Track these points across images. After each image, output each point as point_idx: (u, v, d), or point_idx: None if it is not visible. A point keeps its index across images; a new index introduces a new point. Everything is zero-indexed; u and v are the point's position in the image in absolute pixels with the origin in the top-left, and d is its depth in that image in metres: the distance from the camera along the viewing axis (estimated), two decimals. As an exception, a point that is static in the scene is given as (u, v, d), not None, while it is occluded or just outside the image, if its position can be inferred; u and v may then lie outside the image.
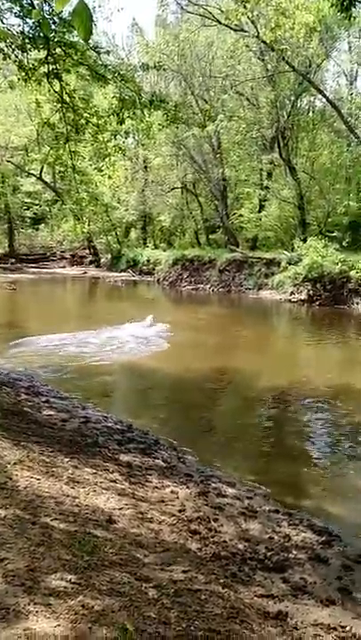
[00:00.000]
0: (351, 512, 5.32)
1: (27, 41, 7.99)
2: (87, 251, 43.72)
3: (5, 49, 8.06)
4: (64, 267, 42.65)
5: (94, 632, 2.25)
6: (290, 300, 21.75)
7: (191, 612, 2.69)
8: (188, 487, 5.13)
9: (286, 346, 14.77)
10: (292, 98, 25.90)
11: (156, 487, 4.94)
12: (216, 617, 2.74)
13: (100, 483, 4.50)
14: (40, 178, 37.31)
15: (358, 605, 3.47)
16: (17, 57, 8.29)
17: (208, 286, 27.00)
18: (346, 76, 28.84)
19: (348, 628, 3.06)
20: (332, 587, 3.67)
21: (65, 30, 8.19)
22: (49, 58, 8.35)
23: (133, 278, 33.49)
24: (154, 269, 32.74)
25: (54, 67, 8.50)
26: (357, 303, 20.01)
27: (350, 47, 27.77)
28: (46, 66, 8.43)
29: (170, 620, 2.56)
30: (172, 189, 34.87)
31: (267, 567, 3.74)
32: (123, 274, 35.26)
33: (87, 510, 3.68)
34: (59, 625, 2.23)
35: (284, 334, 16.76)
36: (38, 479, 3.95)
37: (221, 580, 3.23)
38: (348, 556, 4.19)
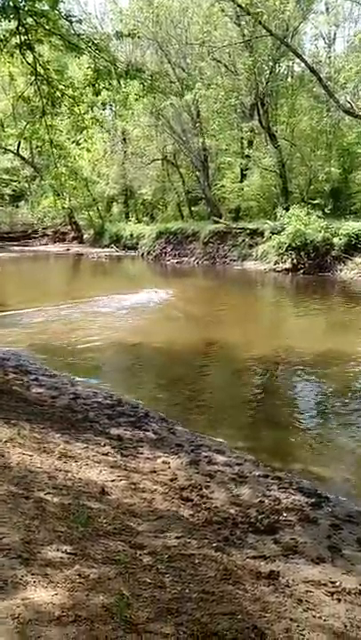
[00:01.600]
0: (339, 474, 5.45)
1: (-4, 11, 7.72)
2: (69, 227, 43.22)
3: (-26, 20, 7.79)
4: (46, 244, 42.21)
5: (91, 599, 2.31)
6: (274, 270, 21.80)
7: (185, 576, 2.77)
8: (179, 457, 5.22)
9: (272, 315, 14.87)
10: (271, 63, 25.49)
11: (148, 458, 5.01)
12: (210, 579, 2.82)
13: (92, 456, 4.56)
14: (17, 154, 36.59)
15: (348, 562, 3.59)
16: (-14, 28, 8.03)
17: (193, 259, 26.92)
18: (324, 38, 28.49)
19: (337, 584, 3.17)
20: (322, 545, 3.78)
21: (35, -1, 7.93)
22: (20, 28, 8.09)
23: (117, 253, 33.27)
24: (137, 244, 32.53)
25: (26, 37, 8.25)
26: (341, 270, 20.12)
27: (328, 8, 27.36)
28: (18, 37, 8.18)
29: (165, 585, 2.63)
30: (153, 161, 34.43)
31: (258, 530, 3.84)
32: (106, 249, 34.99)
33: (80, 483, 3.74)
34: (56, 594, 2.28)
35: (269, 304, 16.85)
36: (30, 455, 3.99)
37: (214, 545, 3.32)
38: (336, 516, 4.31)
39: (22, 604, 2.16)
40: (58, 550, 2.66)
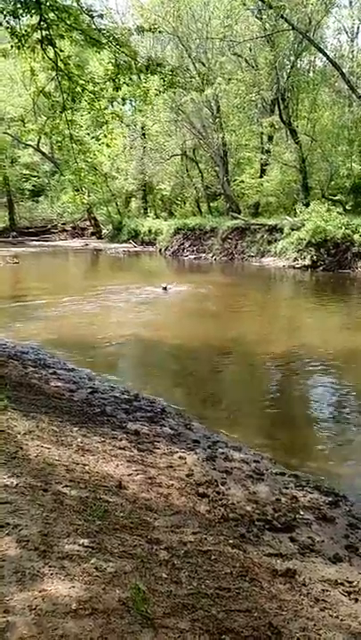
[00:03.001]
0: (357, 472, 5.40)
1: (18, 6, 7.77)
2: (88, 222, 43.47)
3: (-4, 15, 7.85)
4: (65, 239, 42.51)
5: (108, 593, 2.32)
6: (293, 267, 21.63)
7: (202, 572, 2.77)
8: (195, 453, 5.21)
9: (290, 312, 14.76)
10: (292, 58, 25.28)
11: (164, 453, 5.01)
12: (226, 576, 2.81)
13: (109, 450, 4.58)
14: (38, 149, 36.83)
15: (365, 561, 3.56)
16: (9, 23, 8.07)
17: (210, 255, 26.85)
18: (347, 32, 28.07)
19: (355, 583, 3.14)
20: (339, 545, 3.75)
21: (57, -6, 7.97)
22: (42, 23, 8.13)
23: (135, 249, 33.34)
24: (155, 239, 32.56)
25: (47, 32, 8.29)
26: (361, 267, 19.90)
27: (351, 2, 26.96)
28: (39, 32, 8.22)
29: (181, 580, 2.63)
30: (172, 157, 34.36)
31: (275, 528, 3.82)
32: (124, 245, 35.10)
33: (97, 477, 3.75)
34: (73, 587, 2.30)
35: (288, 301, 16.73)
36: (48, 448, 4.02)
37: (230, 541, 3.31)
38: (354, 515, 4.28)
39: (40, 596, 2.18)
40: (75, 543, 2.67)
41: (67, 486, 3.35)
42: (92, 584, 2.35)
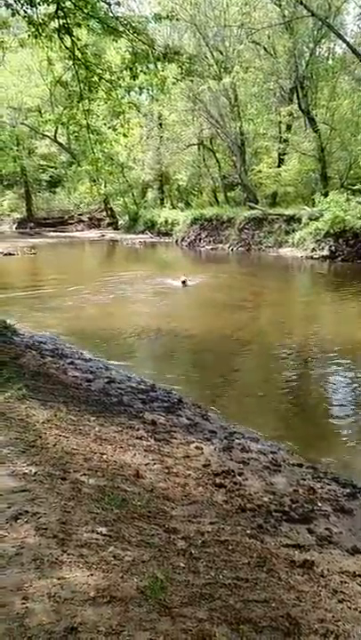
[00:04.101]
0: (375, 465, 5.35)
1: (35, -6, 7.75)
2: (104, 213, 43.52)
3: (14, 4, 7.83)
4: (82, 230, 42.64)
5: (126, 581, 2.33)
6: (311, 257, 21.43)
7: (219, 562, 2.77)
8: (212, 443, 5.21)
9: (308, 303, 14.64)
10: (311, 45, 24.87)
11: (181, 443, 5.02)
12: (244, 566, 2.81)
13: (127, 440, 4.59)
14: (55, 139, 36.87)
15: (383, 554, 3.53)
16: (26, 12, 8.05)
17: (227, 245, 26.71)
18: (367, 18, 27.38)
19: (373, 576, 3.12)
20: (357, 536, 3.73)
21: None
22: (59, 12, 8.10)
23: (152, 240, 33.31)
24: (172, 230, 32.48)
25: (64, 21, 8.25)
26: (381, 257, 19.64)
27: (372, -13, 26.29)
28: (56, 20, 8.18)
29: (199, 570, 2.64)
30: (189, 146, 34.13)
31: (292, 519, 3.81)
32: (141, 235, 35.09)
33: (115, 466, 3.77)
34: (92, 575, 2.31)
35: (305, 291, 16.59)
36: (67, 437, 4.04)
37: (248, 532, 3.30)
38: (372, 508, 4.24)
39: (58, 584, 2.19)
40: (93, 532, 2.69)
41: (85, 475, 3.37)
42: (110, 572, 2.37)
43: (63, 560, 2.38)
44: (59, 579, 2.24)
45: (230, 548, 2.99)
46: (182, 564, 2.64)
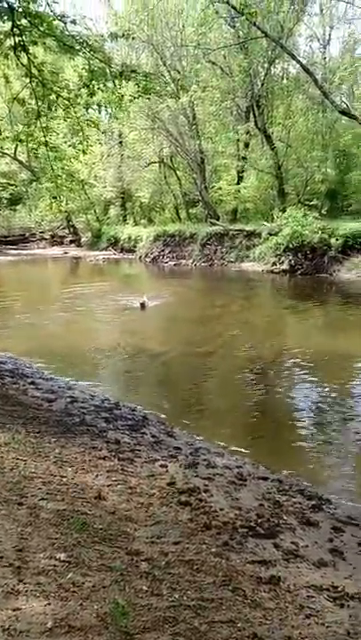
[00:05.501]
0: (340, 475, 5.38)
1: (-10, 12, 7.68)
2: (67, 230, 43.21)
3: (-32, 22, 7.75)
4: (44, 247, 42.16)
5: (85, 609, 2.24)
6: (272, 271, 21.73)
7: (183, 583, 2.70)
8: (177, 460, 5.14)
9: (270, 316, 14.80)
10: (266, 65, 25.44)
11: (146, 462, 4.93)
12: (209, 586, 2.74)
13: (89, 461, 4.48)
14: (14, 157, 36.49)
15: (350, 565, 3.52)
16: (-20, 30, 7.97)
17: (190, 261, 26.85)
18: (318, 40, 28.29)
19: (340, 588, 3.09)
20: (323, 549, 3.71)
21: (29, 0, 7.89)
22: (14, 29, 8.05)
23: (115, 256, 33.20)
24: (135, 246, 32.46)
25: (20, 38, 8.20)
26: (338, 271, 20.05)
27: (322, 10, 27.23)
28: (12, 38, 8.13)
29: (162, 592, 2.56)
30: (150, 164, 34.32)
31: (258, 534, 3.76)
32: (104, 252, 34.93)
33: (76, 488, 3.66)
34: (49, 604, 2.21)
35: (267, 304, 16.78)
36: (25, 460, 3.91)
37: (213, 550, 3.24)
38: (338, 518, 4.24)
39: (13, 615, 2.08)
40: (51, 558, 2.58)
41: (43, 499, 3.25)
42: (68, 600, 2.27)
43: (19, 590, 2.27)
44: (14, 610, 2.13)
45: (195, 567, 2.92)
46: (145, 588, 2.56)
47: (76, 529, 2.96)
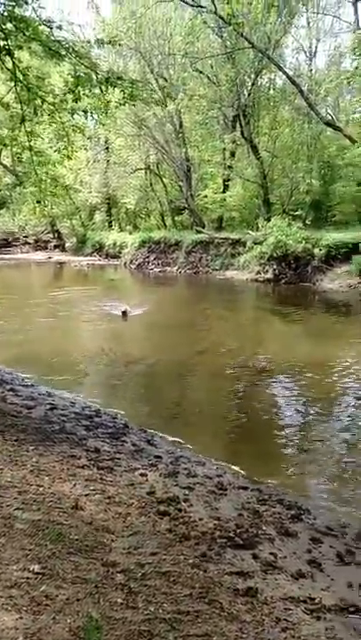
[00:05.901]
0: (319, 485, 5.37)
1: (-26, 16, 7.64)
2: (51, 235, 43.01)
3: None
4: (28, 252, 41.89)
5: (58, 622, 2.19)
6: (256, 280, 21.82)
7: (159, 595, 2.66)
8: (157, 469, 5.10)
9: (253, 324, 14.84)
10: (253, 75, 25.67)
11: (125, 471, 4.88)
12: (185, 598, 2.71)
13: (67, 470, 4.42)
14: (-2, 161, 36.22)
15: (328, 577, 3.51)
16: (-36, 33, 7.91)
17: (175, 268, 26.87)
18: (305, 52, 28.60)
19: (317, 600, 3.08)
20: (301, 560, 3.69)
21: (14, 4, 7.87)
22: (-1, 33, 8.01)
23: (100, 262, 33.11)
24: (120, 252, 32.42)
25: (5, 42, 8.16)
26: (321, 280, 20.21)
27: (309, 22, 27.59)
28: (-3, 42, 8.09)
29: (137, 605, 2.52)
30: (136, 170, 34.36)
31: (237, 544, 3.73)
32: (89, 258, 34.82)
33: (52, 498, 3.60)
34: (20, 617, 2.16)
35: (250, 313, 16.83)
36: (0, 469, 3.84)
37: (190, 561, 3.21)
38: (317, 529, 4.23)
39: (-17, 630, 2.03)
40: (25, 570, 2.53)
41: (18, 509, 3.19)
42: (40, 614, 2.22)
43: (-10, 604, 2.22)
44: (-16, 625, 2.07)
45: (172, 579, 2.89)
46: (120, 600, 2.51)
47: (51, 540, 2.90)
